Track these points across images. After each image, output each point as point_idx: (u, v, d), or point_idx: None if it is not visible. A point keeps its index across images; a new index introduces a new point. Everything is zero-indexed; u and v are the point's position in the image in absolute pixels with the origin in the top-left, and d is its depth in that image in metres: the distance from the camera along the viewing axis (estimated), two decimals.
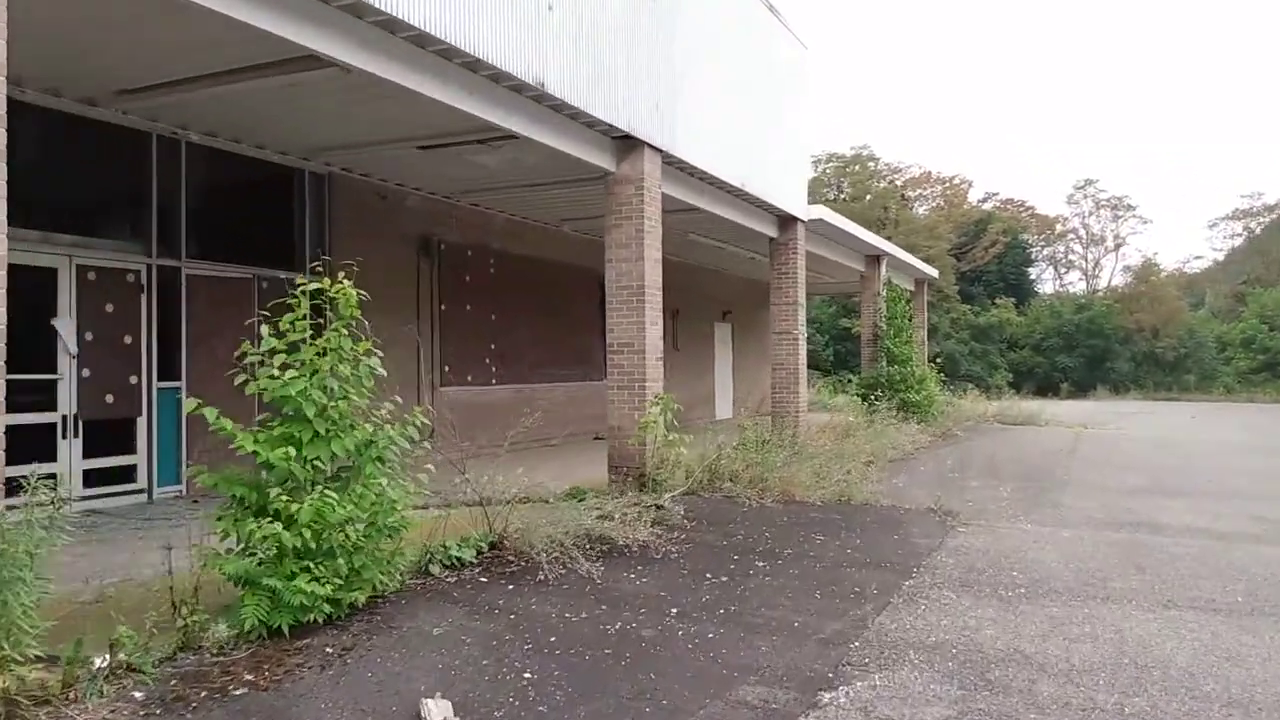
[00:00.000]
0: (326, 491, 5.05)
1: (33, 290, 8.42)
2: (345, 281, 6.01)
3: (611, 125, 9.43)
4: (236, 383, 5.45)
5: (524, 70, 8.00)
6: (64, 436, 8.61)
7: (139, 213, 9.62)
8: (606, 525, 7.48)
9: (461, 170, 11.71)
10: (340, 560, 5.10)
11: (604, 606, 5.69)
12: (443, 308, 13.37)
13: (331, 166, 11.45)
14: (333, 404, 5.41)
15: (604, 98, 9.25)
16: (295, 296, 5.72)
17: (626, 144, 9.94)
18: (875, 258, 20.35)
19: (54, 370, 8.65)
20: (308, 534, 4.90)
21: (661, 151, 10.25)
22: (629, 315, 9.91)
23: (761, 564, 6.87)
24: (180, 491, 9.78)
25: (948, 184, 56.70)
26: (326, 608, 5.00)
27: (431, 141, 9.92)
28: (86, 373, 8.87)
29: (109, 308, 9.16)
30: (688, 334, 21.47)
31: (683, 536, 7.69)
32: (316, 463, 5.18)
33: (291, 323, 5.64)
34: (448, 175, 12.07)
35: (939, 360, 22.42)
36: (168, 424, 9.69)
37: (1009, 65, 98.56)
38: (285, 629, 4.83)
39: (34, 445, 8.27)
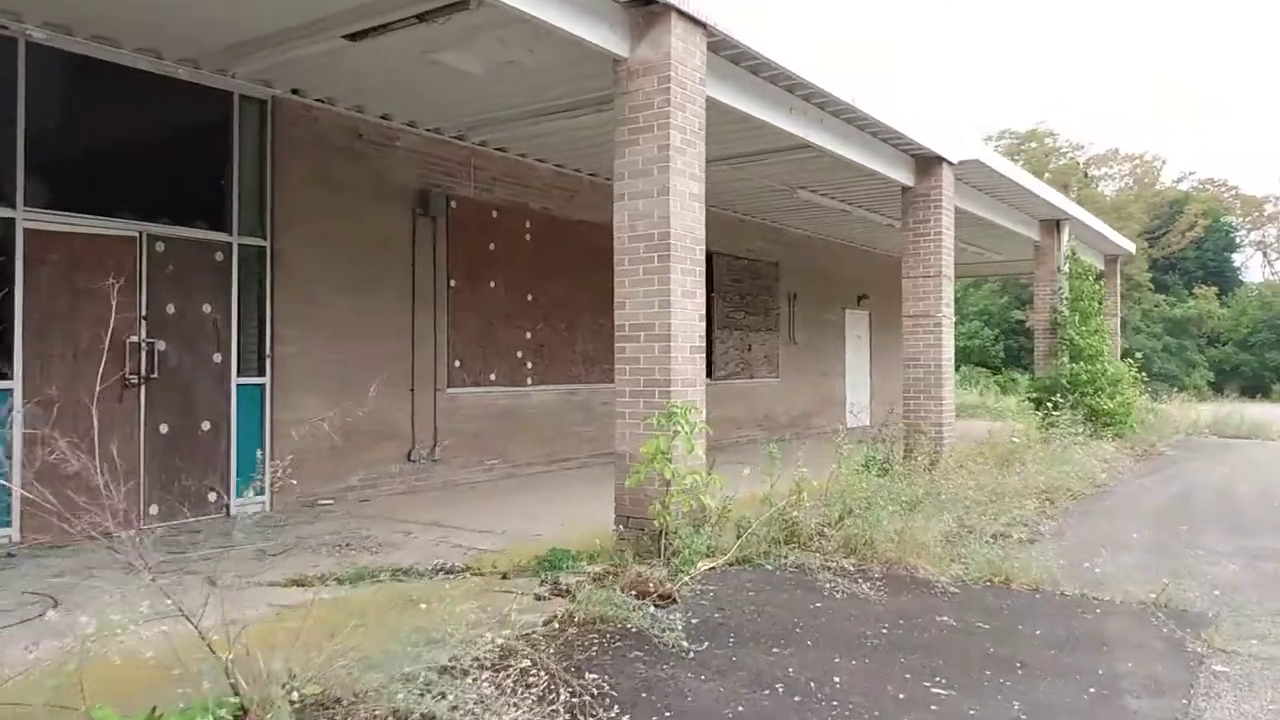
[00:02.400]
0: None
1: None
2: None
3: None
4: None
5: None
6: None
7: None
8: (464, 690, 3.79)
9: (460, 91, 8.43)
10: None
11: None
12: (452, 284, 10.15)
13: (275, 88, 8.42)
14: None
15: None
16: None
17: (645, 13, 6.37)
18: (1054, 223, 15.80)
19: None
20: None
21: (702, 25, 6.60)
22: (646, 281, 6.36)
23: None
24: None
25: (1137, 161, 50.48)
26: None
27: (362, 25, 6.64)
28: None
29: None
30: (809, 323, 17.53)
31: (665, 677, 4.05)
32: None
33: None
34: (448, 100, 8.82)
35: (1137, 358, 17.51)
36: None
37: (1201, 37, 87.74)
38: None
39: None
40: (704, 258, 6.67)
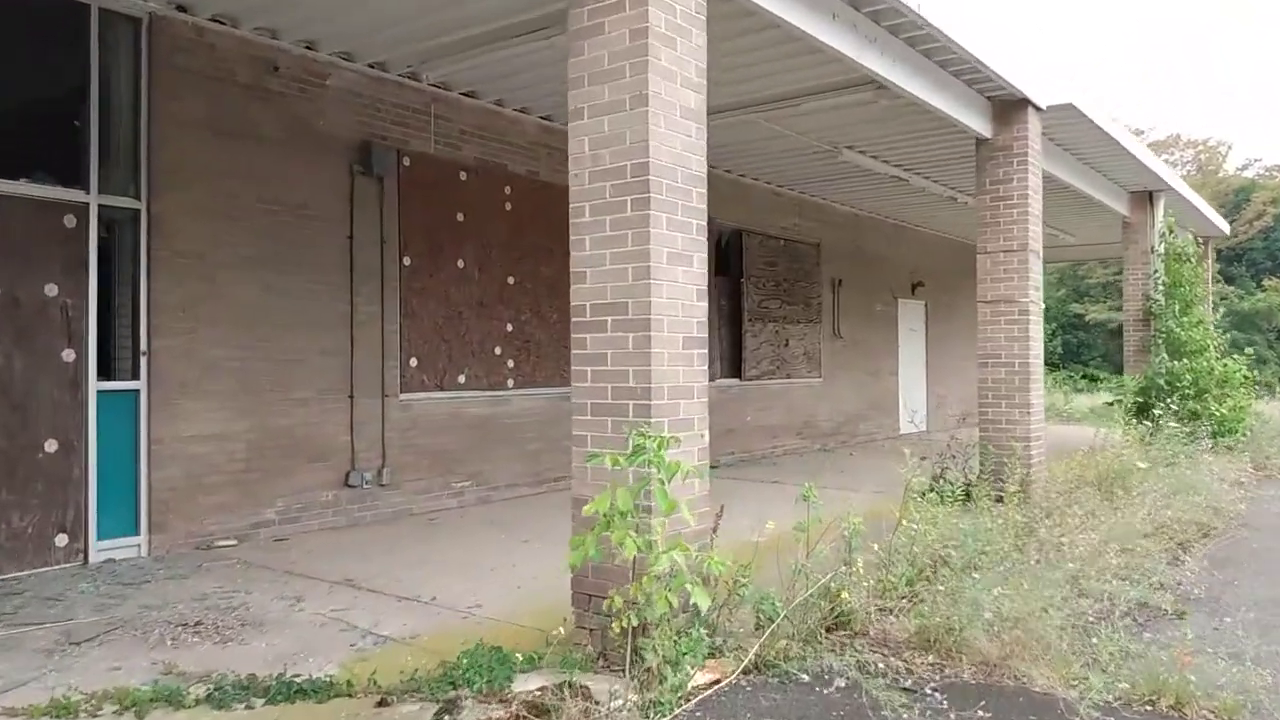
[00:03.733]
0: None
1: None
2: None
3: None
4: None
5: None
6: None
7: None
8: None
9: (407, 3, 6.35)
10: None
11: None
12: (406, 263, 8.07)
13: (152, 2, 6.39)
14: None
15: None
16: None
17: None
18: (1146, 196, 13.35)
19: None
20: None
21: None
22: (615, 240, 4.20)
23: None
24: None
25: (1201, 147, 47.71)
26: None
27: None
28: None
29: None
30: (856, 314, 15.23)
31: None
32: None
33: None
34: (390, 15, 6.75)
35: (1247, 353, 14.88)
36: None
37: (1267, 19, 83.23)
38: None
39: None
40: (705, 208, 4.49)
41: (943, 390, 17.89)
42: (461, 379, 8.54)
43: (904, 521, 5.35)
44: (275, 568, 6.14)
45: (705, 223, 4.50)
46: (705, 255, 4.50)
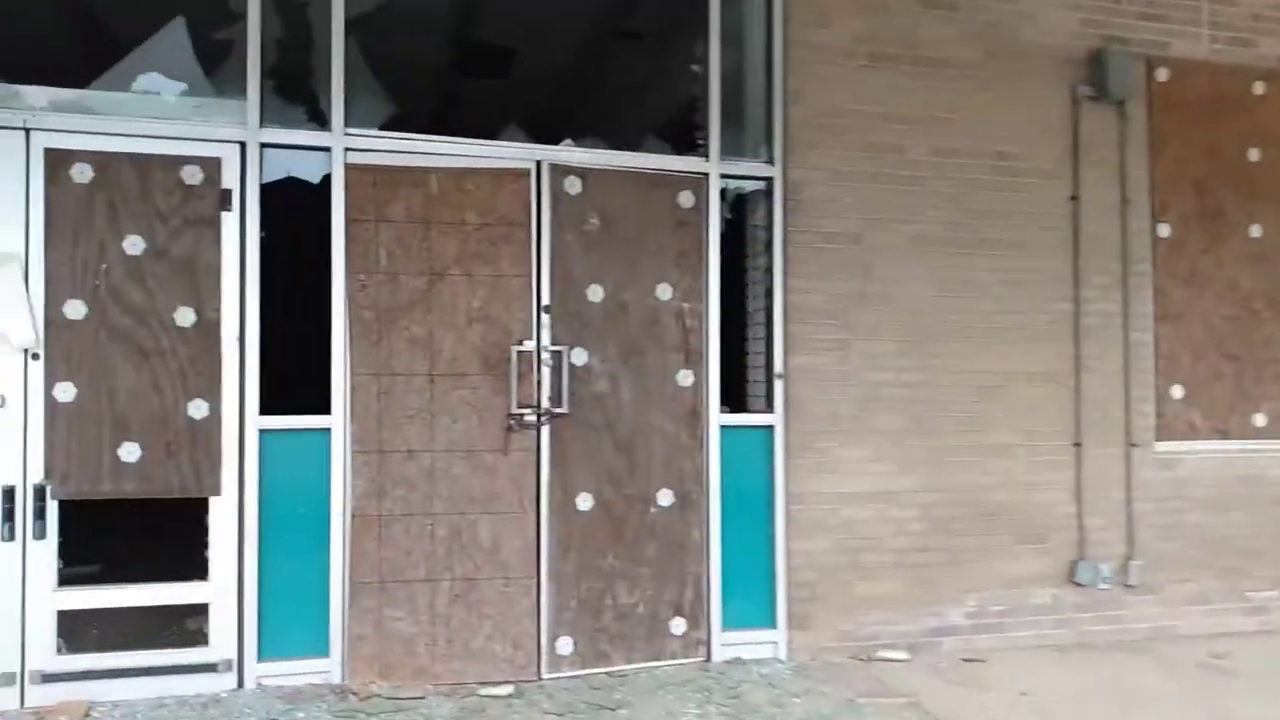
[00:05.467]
0: None
1: None
2: None
3: None
4: None
5: None
6: (8, 536, 3.81)
7: None
8: None
9: None
10: None
11: None
12: (1162, 234, 5.06)
13: None
14: None
15: None
16: None
17: None
18: None
19: None
20: None
21: None
22: None
23: None
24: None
25: None
26: None
27: None
28: (69, 392, 3.92)
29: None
30: None
31: None
32: None
33: None
34: None
35: None
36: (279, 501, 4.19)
37: None
38: None
39: None
40: None
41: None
42: (1260, 421, 5.21)
43: None
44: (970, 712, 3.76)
45: None
46: None
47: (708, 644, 4.50)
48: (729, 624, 4.54)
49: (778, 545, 4.58)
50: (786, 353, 4.59)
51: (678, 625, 4.46)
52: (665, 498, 4.46)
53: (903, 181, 4.75)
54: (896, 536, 4.69)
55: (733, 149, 4.64)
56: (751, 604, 4.58)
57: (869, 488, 4.65)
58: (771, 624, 4.59)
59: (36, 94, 3.82)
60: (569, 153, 4.39)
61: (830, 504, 4.60)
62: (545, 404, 4.28)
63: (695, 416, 4.51)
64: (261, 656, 4.05)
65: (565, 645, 4.28)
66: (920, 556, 4.73)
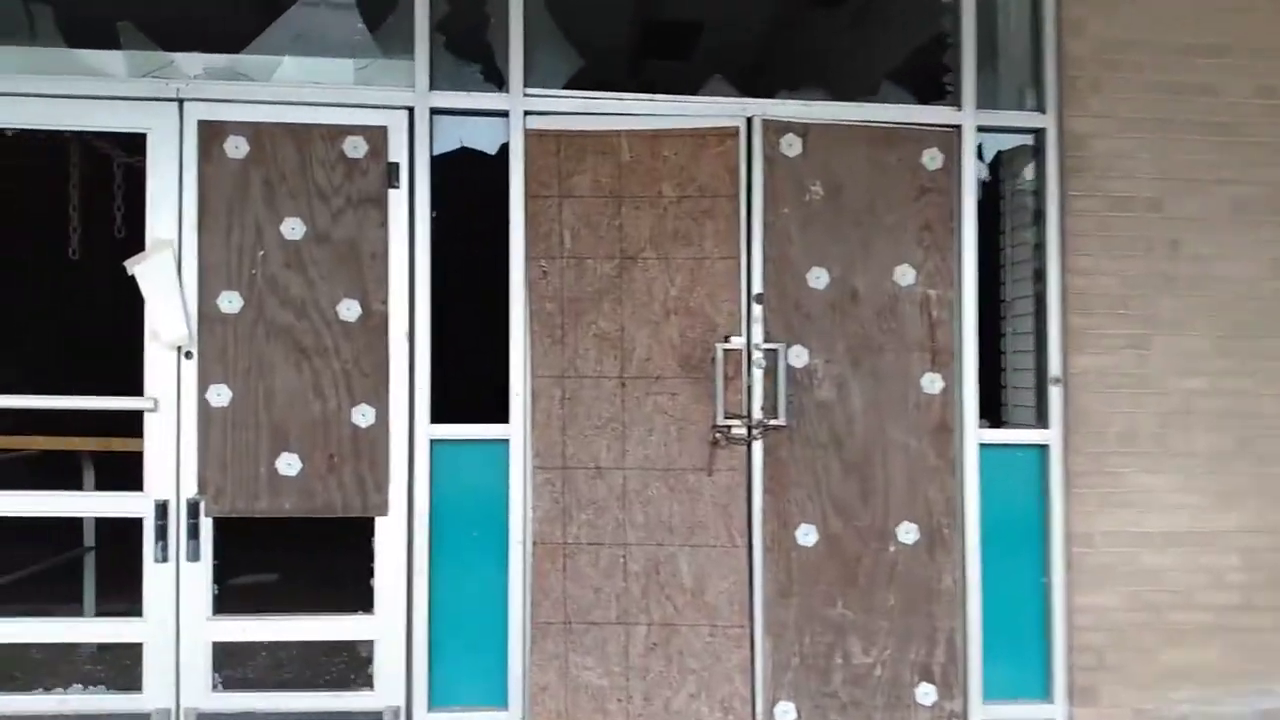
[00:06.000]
0: None
1: None
2: None
3: None
4: None
5: None
6: (160, 557, 3.40)
7: None
8: None
9: None
10: None
11: None
12: None
13: None
14: None
15: None
16: None
17: None
18: None
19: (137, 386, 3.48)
20: None
21: None
22: None
23: None
24: None
25: None
26: None
27: None
28: (223, 395, 3.46)
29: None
30: None
31: None
32: None
33: None
34: None
35: None
36: None
37: None
38: None
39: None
40: None
41: None
42: None
43: None
44: None
45: None
46: None
47: (964, 718, 3.59)
48: (991, 695, 3.60)
49: (1055, 598, 3.60)
50: (1066, 352, 3.62)
51: (925, 693, 3.56)
52: (908, 533, 3.59)
53: (1217, 131, 3.68)
54: (1214, 590, 3.61)
55: (990, 95, 3.72)
56: (1020, 670, 3.62)
57: (1177, 526, 3.60)
58: (1046, 697, 3.62)
59: (190, 61, 3.43)
60: (785, 105, 3.62)
61: (1125, 546, 3.58)
62: (757, 414, 3.51)
63: (946, 432, 3.61)
64: (433, 705, 3.49)
65: (786, 712, 3.48)
66: (1245, 617, 3.63)
